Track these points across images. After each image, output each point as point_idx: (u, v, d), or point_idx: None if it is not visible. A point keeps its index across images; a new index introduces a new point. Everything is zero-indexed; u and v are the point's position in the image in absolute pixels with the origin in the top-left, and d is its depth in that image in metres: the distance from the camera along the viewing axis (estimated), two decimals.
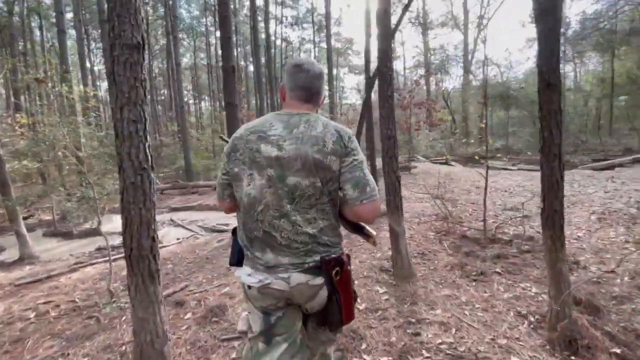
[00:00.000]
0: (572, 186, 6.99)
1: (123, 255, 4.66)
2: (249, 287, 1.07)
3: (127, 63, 1.72)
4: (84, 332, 2.42)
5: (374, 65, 5.09)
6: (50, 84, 8.02)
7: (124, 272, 1.98)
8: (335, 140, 1.01)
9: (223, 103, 4.87)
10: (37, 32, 18.57)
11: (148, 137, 1.83)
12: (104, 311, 2.59)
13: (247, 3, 12.34)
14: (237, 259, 1.12)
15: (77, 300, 3.08)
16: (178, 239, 5.54)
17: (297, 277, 1.01)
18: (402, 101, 11.23)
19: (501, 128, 20.10)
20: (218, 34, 26.66)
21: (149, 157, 1.81)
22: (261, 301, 1.07)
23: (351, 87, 39.10)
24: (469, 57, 25.09)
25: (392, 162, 2.78)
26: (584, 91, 18.17)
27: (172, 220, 7.45)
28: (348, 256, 1.11)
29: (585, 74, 21.56)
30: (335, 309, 1.07)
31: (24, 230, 5.09)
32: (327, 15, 15.38)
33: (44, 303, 3.09)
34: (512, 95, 16.90)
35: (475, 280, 2.78)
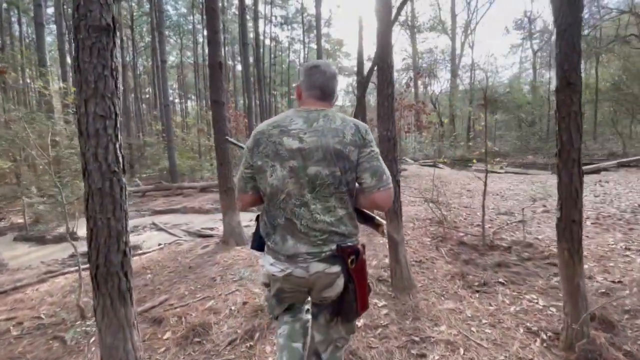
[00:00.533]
0: None
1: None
2: (273, 275, 1.14)
3: (94, 48, 1.48)
4: (47, 356, 2.13)
5: (367, 65, 4.94)
6: (11, 75, 7.49)
7: None
8: (353, 132, 1.08)
9: (209, 102, 4.59)
10: (17, 27, 17.72)
11: (119, 135, 1.58)
12: (67, 336, 2.30)
13: (236, 1, 12.07)
14: (258, 245, 1.21)
15: (43, 316, 2.77)
16: (160, 244, 5.21)
17: (315, 266, 1.07)
18: None
19: (487, 131, 20.37)
20: (206, 32, 26.25)
21: (120, 158, 1.56)
22: (282, 283, 1.14)
23: (340, 88, 39.06)
24: (457, 61, 25.42)
25: (392, 166, 2.59)
26: None
27: (154, 224, 7.08)
28: (363, 246, 1.16)
29: None
30: (352, 298, 1.12)
31: None
32: (317, 16, 15.20)
33: (6, 319, 2.77)
34: (499, 99, 17.15)
35: (478, 291, 2.63)
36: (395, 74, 29.62)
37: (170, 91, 35.11)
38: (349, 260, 1.07)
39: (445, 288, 2.71)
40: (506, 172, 11.99)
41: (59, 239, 6.06)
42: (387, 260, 3.13)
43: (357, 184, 1.13)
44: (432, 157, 18.77)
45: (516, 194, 6.93)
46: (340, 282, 1.10)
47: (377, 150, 1.12)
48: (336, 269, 1.08)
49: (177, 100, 31.88)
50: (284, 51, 30.22)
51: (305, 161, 1.06)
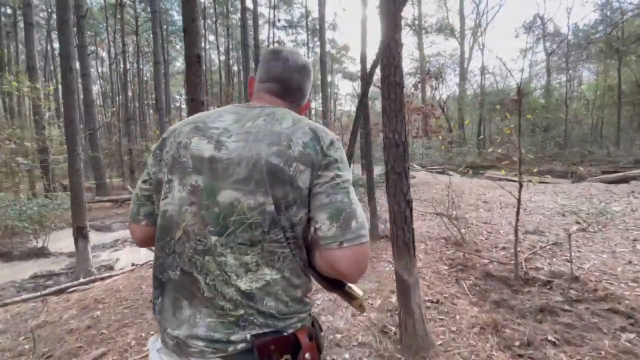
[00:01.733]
0: (591, 202, 6.20)
1: (62, 287, 3.64)
2: None
3: None
4: None
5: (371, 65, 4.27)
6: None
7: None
8: (307, 141, 0.66)
9: (186, 101, 3.97)
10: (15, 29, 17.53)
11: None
12: None
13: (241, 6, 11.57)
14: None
15: None
16: (133, 264, 4.56)
17: None
18: None
19: (497, 137, 19.56)
20: (212, 37, 26.20)
21: None
22: None
23: (346, 93, 38.49)
24: (465, 64, 24.70)
25: (401, 181, 1.90)
26: (585, 100, 17.71)
27: None
28: (310, 335, 0.67)
29: (586, 83, 21.20)
30: None
31: None
32: (321, 18, 14.68)
33: None
34: (505, 104, 16.36)
35: (521, 356, 1.89)
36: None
37: (178, 97, 35.14)
38: None
39: (474, 348, 1.98)
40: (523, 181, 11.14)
41: (27, 255, 5.46)
42: (395, 299, 2.42)
43: (312, 229, 0.70)
44: (441, 163, 17.99)
45: (539, 207, 6.14)
46: None
47: (347, 176, 0.68)
48: None
49: (183, 106, 31.80)
50: None
51: (216, 179, 0.65)
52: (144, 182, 0.77)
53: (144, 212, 0.77)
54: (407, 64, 25.59)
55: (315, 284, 0.77)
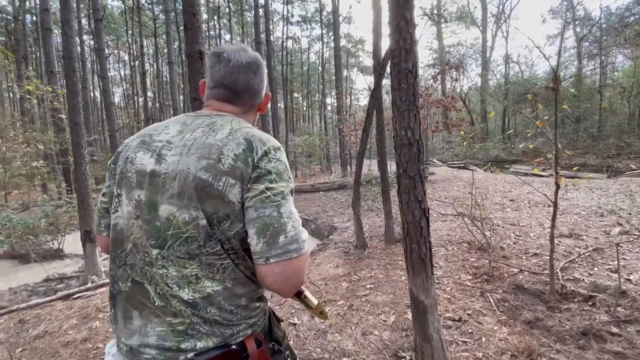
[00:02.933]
0: (632, 199, 5.61)
1: (68, 293, 3.57)
2: None
3: None
4: None
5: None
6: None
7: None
8: (238, 153, 0.64)
9: (190, 99, 3.81)
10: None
11: None
12: None
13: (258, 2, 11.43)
14: None
15: None
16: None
17: None
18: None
19: (525, 130, 18.52)
20: (227, 36, 26.38)
21: None
22: None
23: (363, 88, 37.83)
24: (488, 53, 23.58)
25: (416, 186, 1.62)
26: (620, 87, 16.44)
27: None
28: (258, 339, 0.68)
29: (621, 69, 19.68)
30: None
31: None
32: (335, 11, 14.30)
33: None
34: (537, 93, 15.41)
35: None
36: (420, 71, 28.21)
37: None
38: None
39: None
40: (550, 175, 10.44)
41: (43, 257, 5.52)
42: (410, 315, 2.14)
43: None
44: (462, 157, 17.28)
45: (574, 205, 5.61)
46: None
47: (280, 187, 0.64)
48: None
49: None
50: (304, 52, 29.59)
51: (156, 194, 0.65)
52: (103, 194, 0.79)
53: (104, 224, 0.80)
54: (426, 55, 24.75)
55: None
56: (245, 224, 0.64)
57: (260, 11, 11.73)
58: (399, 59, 1.56)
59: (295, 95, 32.26)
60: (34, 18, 17.41)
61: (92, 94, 23.35)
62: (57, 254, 5.60)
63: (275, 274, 0.62)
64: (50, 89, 5.81)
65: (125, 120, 21.89)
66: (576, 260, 3.16)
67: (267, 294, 0.81)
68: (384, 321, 2.34)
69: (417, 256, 1.66)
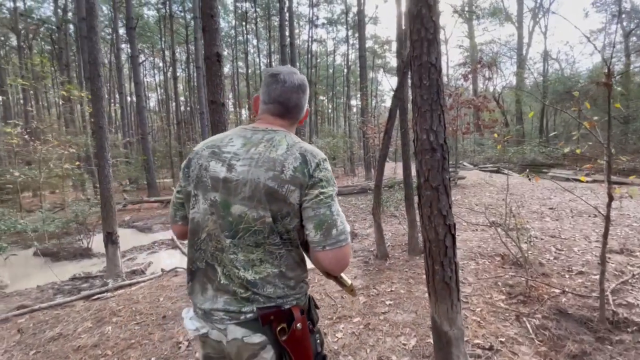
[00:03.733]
0: None
1: (89, 294, 3.65)
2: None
3: None
4: None
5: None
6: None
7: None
8: (297, 166, 0.83)
9: (206, 102, 3.77)
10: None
11: None
12: None
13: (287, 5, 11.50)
14: None
15: None
16: (162, 270, 4.51)
17: (233, 331, 0.83)
18: (446, 101, 9.50)
19: (566, 130, 17.23)
20: (254, 41, 26.94)
21: None
22: (203, 349, 0.92)
23: (389, 89, 37.12)
24: (523, 51, 22.26)
25: (439, 198, 1.40)
26: None
27: (173, 239, 6.53)
28: (302, 310, 0.87)
29: None
30: None
31: None
32: (360, 12, 14.07)
33: None
34: (580, 91, 14.25)
35: None
36: (450, 71, 27.18)
37: (226, 101, 36.81)
38: (278, 330, 0.81)
39: None
40: (594, 181, 9.55)
41: (73, 255, 5.74)
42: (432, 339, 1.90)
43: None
44: (496, 161, 16.37)
45: (624, 216, 5.02)
46: (265, 357, 0.82)
47: (330, 191, 0.84)
48: (258, 338, 0.81)
49: (231, 109, 33.27)
50: (329, 55, 29.52)
51: (229, 196, 0.83)
52: (178, 192, 0.97)
53: (179, 216, 0.99)
54: (456, 54, 23.77)
55: None
56: (302, 220, 0.83)
57: (287, 15, 11.75)
58: (420, 51, 1.35)
59: (321, 98, 32.28)
60: (73, 27, 18.58)
61: (128, 99, 24.62)
62: (86, 253, 5.80)
63: (330, 258, 0.81)
64: (83, 95, 6.05)
65: (159, 124, 22.84)
66: (629, 281, 2.75)
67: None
68: (404, 345, 2.11)
69: (441, 280, 1.43)
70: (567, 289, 2.66)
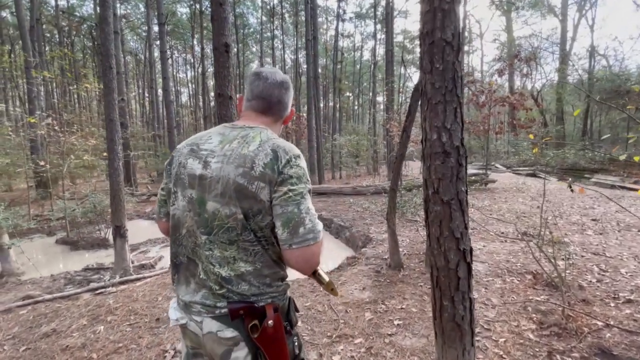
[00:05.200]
0: None
1: (93, 287, 3.62)
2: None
3: None
4: None
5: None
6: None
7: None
8: (267, 162, 0.82)
9: (214, 95, 3.62)
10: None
11: None
12: None
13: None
14: None
15: None
16: (170, 266, 4.44)
17: (209, 324, 0.84)
18: (478, 98, 8.83)
19: (613, 132, 15.74)
20: (282, 37, 26.90)
21: None
22: (184, 339, 0.94)
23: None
24: (567, 45, 20.57)
25: (452, 216, 1.10)
26: None
27: None
28: (276, 308, 0.84)
29: None
30: None
31: (5, 243, 4.50)
32: (388, 4, 13.52)
33: None
34: (632, 90, 12.89)
35: None
36: (485, 67, 25.73)
37: None
38: (250, 326, 0.80)
39: None
40: None
41: (91, 245, 5.86)
42: None
43: None
44: (532, 164, 15.26)
45: None
46: (239, 355, 0.81)
47: (300, 189, 0.82)
48: (231, 333, 0.82)
49: None
50: (357, 50, 28.94)
51: (204, 193, 0.84)
52: (162, 189, 0.99)
53: (163, 212, 1.01)
54: (492, 48, 22.44)
55: None
56: (273, 217, 0.82)
57: (310, 9, 11.49)
58: (432, 26, 1.04)
59: (347, 94, 31.76)
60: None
61: (159, 93, 25.50)
62: (103, 243, 5.91)
63: (297, 257, 0.80)
64: (96, 87, 6.14)
65: (189, 118, 23.48)
66: None
67: None
68: None
69: (450, 318, 1.13)
70: (612, 322, 2.23)
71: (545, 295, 2.69)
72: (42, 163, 6.20)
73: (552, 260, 2.75)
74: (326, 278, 0.93)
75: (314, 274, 0.91)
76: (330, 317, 2.56)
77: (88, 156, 6.88)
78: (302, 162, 0.86)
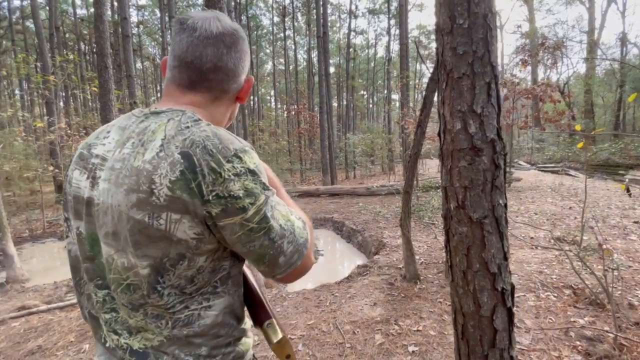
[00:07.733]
0: None
1: None
2: None
3: None
4: None
5: None
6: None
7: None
8: (175, 179, 0.48)
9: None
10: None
11: None
12: None
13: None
14: None
15: None
16: None
17: None
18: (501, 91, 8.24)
19: None
20: (294, 37, 26.70)
21: None
22: None
23: None
24: (595, 34, 19.34)
25: (485, 241, 0.75)
26: None
27: None
28: None
29: None
30: None
31: (11, 249, 4.43)
32: None
33: None
34: None
35: None
36: (506, 59, 24.76)
37: (268, 98, 37.60)
38: None
39: None
40: None
41: None
42: None
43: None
44: (559, 160, 14.38)
45: None
46: None
47: (259, 206, 0.50)
48: None
49: (272, 105, 33.80)
50: (371, 47, 28.42)
51: (94, 229, 0.55)
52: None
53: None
54: (513, 41, 21.42)
55: None
56: (210, 255, 0.53)
57: (329, 10, 11.20)
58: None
59: (361, 92, 31.22)
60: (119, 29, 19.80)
61: None
62: None
63: (284, 281, 0.59)
64: (94, 89, 6.10)
65: None
66: None
67: None
68: None
69: None
70: None
71: (589, 316, 2.27)
72: (50, 168, 6.21)
73: (596, 274, 2.33)
74: (278, 335, 0.63)
75: (261, 326, 0.64)
76: (336, 340, 2.25)
77: None
78: (250, 161, 0.52)
